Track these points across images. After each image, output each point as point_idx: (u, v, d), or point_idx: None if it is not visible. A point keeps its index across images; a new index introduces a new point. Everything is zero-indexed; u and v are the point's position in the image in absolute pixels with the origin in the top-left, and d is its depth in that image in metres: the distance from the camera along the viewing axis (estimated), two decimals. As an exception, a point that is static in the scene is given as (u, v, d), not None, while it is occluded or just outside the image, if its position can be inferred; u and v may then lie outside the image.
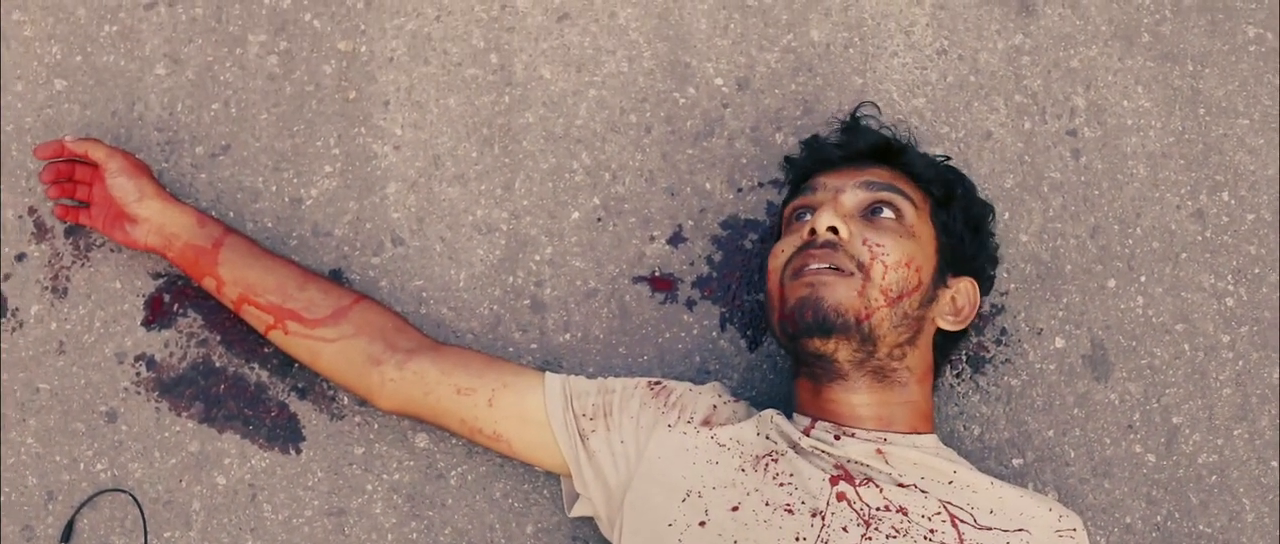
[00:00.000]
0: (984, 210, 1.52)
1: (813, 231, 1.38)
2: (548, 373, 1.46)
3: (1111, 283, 1.63)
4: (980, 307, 1.46)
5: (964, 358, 1.61)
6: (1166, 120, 1.67)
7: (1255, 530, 1.58)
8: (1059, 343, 1.61)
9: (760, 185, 1.64)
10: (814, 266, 1.36)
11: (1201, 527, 1.57)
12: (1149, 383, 1.61)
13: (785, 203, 1.50)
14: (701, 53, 1.67)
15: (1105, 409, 1.60)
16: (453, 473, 1.57)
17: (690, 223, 1.63)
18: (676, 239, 1.63)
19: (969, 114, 1.67)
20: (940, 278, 1.41)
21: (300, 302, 1.49)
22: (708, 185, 1.64)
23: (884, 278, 1.35)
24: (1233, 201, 1.65)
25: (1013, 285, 1.62)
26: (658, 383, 1.46)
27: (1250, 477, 1.59)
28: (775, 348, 1.61)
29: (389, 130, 1.65)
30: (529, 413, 1.44)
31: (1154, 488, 1.58)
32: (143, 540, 1.55)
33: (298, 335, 1.48)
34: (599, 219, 1.63)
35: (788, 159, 1.57)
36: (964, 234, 1.45)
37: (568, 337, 1.61)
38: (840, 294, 1.34)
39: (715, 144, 1.65)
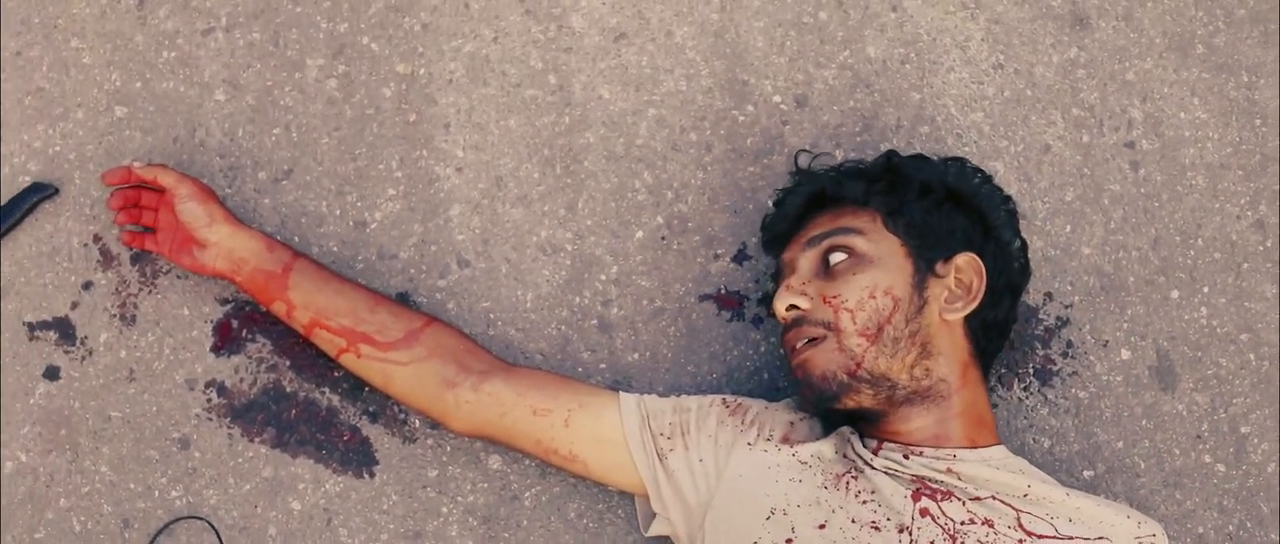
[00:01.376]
0: (943, 183, 1.45)
1: (783, 318, 1.42)
2: (622, 393, 1.46)
3: (1175, 294, 1.64)
4: (1016, 270, 1.45)
5: (1031, 371, 1.61)
6: (1224, 131, 1.68)
7: (1324, 538, 1.59)
8: (1125, 355, 1.62)
9: (823, 202, 1.65)
10: (796, 346, 1.40)
11: (1273, 535, 1.58)
12: (1216, 393, 1.61)
13: None
14: (759, 71, 1.68)
15: (1173, 420, 1.61)
16: (527, 494, 1.57)
17: (754, 240, 1.63)
18: (741, 256, 1.64)
19: (1027, 128, 1.68)
20: (923, 277, 1.39)
21: (372, 324, 1.49)
22: (770, 203, 1.64)
23: (854, 322, 1.36)
24: (1292, 211, 1.67)
25: (1077, 298, 1.63)
26: (733, 400, 1.47)
27: (1319, 484, 1.60)
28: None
29: (451, 152, 1.65)
30: (605, 433, 1.44)
31: (1225, 497, 1.59)
32: (215, 567, 1.55)
33: (370, 359, 1.48)
34: (663, 238, 1.64)
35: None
36: (926, 221, 1.41)
37: (636, 356, 1.61)
38: (822, 362, 1.37)
39: (776, 161, 1.66)
